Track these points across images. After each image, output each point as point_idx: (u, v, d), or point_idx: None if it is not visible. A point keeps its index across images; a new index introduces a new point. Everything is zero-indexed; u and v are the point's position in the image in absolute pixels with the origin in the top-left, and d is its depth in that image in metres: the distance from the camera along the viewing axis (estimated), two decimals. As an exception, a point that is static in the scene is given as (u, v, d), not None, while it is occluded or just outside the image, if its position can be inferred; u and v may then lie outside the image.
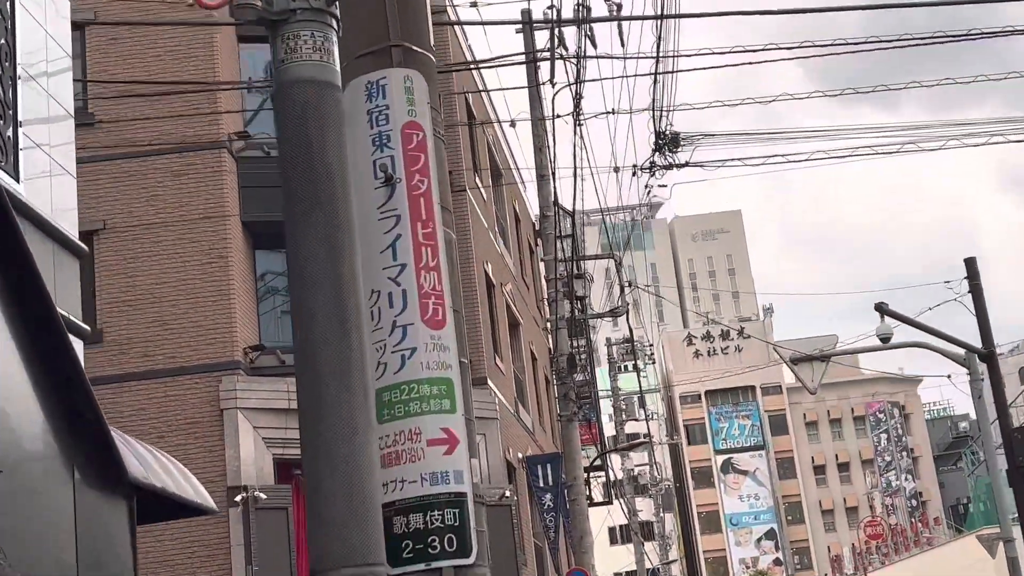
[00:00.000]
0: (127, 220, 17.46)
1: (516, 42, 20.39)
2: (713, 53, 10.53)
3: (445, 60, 18.85)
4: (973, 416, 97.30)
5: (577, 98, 14.51)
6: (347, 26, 4.88)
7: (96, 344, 16.91)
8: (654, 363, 66.55)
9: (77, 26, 18.01)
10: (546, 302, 25.06)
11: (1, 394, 5.50)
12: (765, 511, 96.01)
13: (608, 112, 14.34)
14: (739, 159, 11.80)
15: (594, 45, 17.25)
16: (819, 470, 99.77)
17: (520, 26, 19.74)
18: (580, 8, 15.06)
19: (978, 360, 19.54)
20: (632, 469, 49.84)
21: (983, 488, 70.71)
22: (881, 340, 19.23)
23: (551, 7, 16.50)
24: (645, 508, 60.84)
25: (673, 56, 11.52)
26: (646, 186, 13.55)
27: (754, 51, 10.57)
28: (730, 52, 10.59)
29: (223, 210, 17.40)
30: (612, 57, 13.40)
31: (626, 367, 50.67)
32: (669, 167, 12.43)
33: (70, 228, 8.15)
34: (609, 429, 45.12)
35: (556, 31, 15.40)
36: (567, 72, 15.39)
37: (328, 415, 3.99)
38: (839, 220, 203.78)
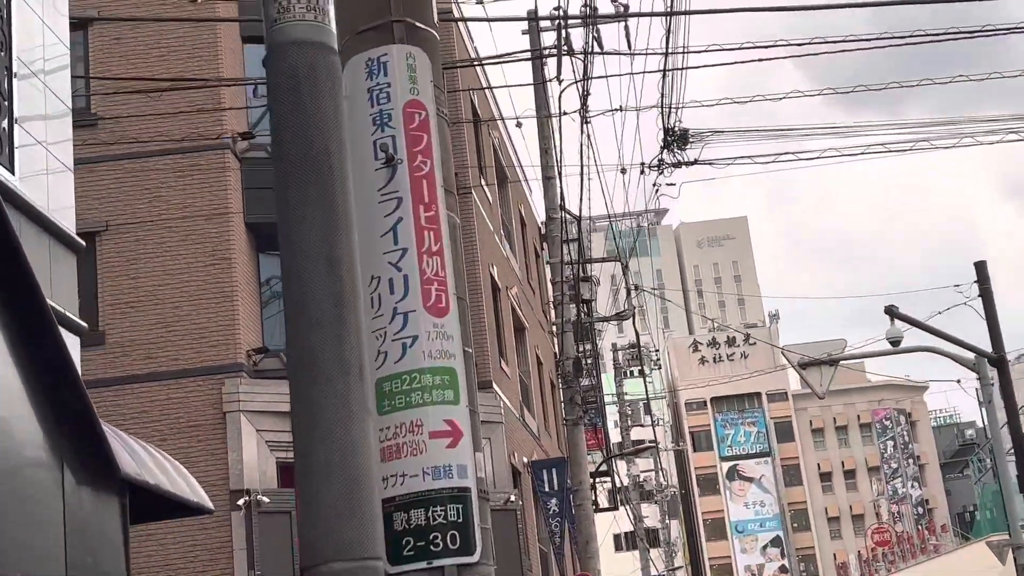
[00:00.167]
0: (129, 221, 17.32)
1: (522, 44, 20.25)
2: (722, 49, 10.36)
3: (450, 59, 18.69)
4: (979, 424, 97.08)
5: (584, 95, 14.33)
6: (347, 1, 4.71)
7: (98, 346, 16.80)
8: (660, 369, 66.40)
9: (80, 25, 17.94)
10: (552, 306, 24.89)
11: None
12: (771, 518, 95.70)
13: (615, 109, 14.16)
14: (748, 157, 11.61)
15: (600, 47, 17.09)
16: (825, 477, 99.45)
17: (526, 27, 19.60)
18: (587, 6, 14.90)
19: (988, 364, 19.39)
20: (638, 475, 49.69)
21: (990, 496, 70.46)
22: (891, 343, 19.06)
23: (557, 8, 16.31)
24: (651, 515, 60.66)
25: (683, 52, 11.36)
26: (654, 184, 13.37)
27: (764, 47, 10.41)
28: (739, 48, 10.43)
29: (227, 211, 17.26)
30: (620, 53, 13.25)
31: (632, 372, 50.51)
32: (678, 165, 12.23)
33: (68, 224, 8.01)
34: (615, 435, 44.94)
35: (562, 26, 15.22)
36: (574, 70, 15.25)
37: (322, 397, 3.77)
38: (842, 227, 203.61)
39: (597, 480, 28.71)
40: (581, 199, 28.28)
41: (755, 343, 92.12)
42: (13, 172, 7.27)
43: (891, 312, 18.72)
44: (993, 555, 23.60)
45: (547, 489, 21.95)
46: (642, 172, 13.30)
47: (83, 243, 7.88)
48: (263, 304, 18.07)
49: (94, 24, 17.98)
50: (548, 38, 18.80)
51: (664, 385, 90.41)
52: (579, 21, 16.44)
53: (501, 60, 12.95)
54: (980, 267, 20.14)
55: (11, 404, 5.42)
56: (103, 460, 5.95)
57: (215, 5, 17.70)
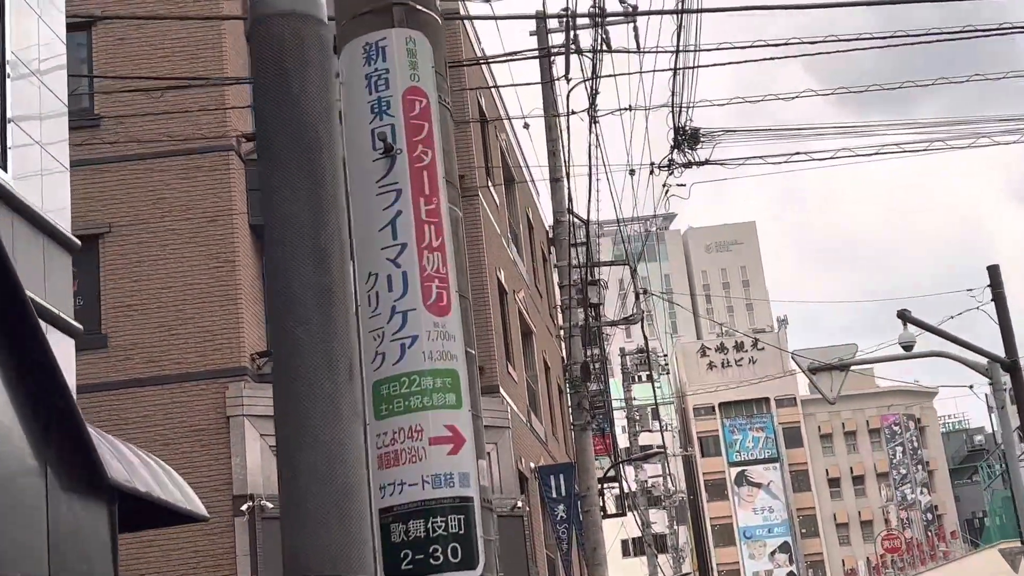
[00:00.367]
0: (133, 223, 17.17)
1: (530, 47, 20.07)
2: (733, 47, 10.16)
3: (458, 59, 18.50)
4: (989, 429, 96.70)
5: (593, 93, 14.14)
6: (344, -18, 4.48)
7: (101, 349, 16.67)
8: (668, 374, 66.16)
9: (84, 25, 17.79)
10: (559, 310, 24.70)
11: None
12: (779, 524, 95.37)
13: (624, 109, 13.96)
14: (760, 157, 11.40)
15: (609, 46, 16.90)
16: (834, 483, 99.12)
17: (534, 28, 19.43)
18: (596, 6, 14.70)
19: (1001, 369, 19.15)
20: (646, 481, 49.47)
21: (999, 502, 70.17)
22: (904, 348, 18.83)
23: (566, 9, 16.13)
24: (659, 520, 60.41)
25: (694, 50, 11.16)
26: (664, 185, 13.15)
27: (775, 45, 10.20)
28: (750, 47, 10.23)
29: (231, 213, 17.08)
30: (629, 51, 13.05)
31: (640, 377, 50.29)
32: (688, 165, 12.01)
33: (64, 224, 7.83)
34: (623, 441, 44.75)
35: (570, 24, 15.03)
36: (582, 69, 15.05)
37: (307, 397, 3.46)
38: (850, 231, 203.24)
39: (605, 486, 28.51)
40: (589, 201, 28.04)
41: (764, 348, 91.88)
42: (7, 171, 7.08)
43: (904, 316, 18.49)
44: (1005, 561, 23.37)
45: (554, 495, 21.75)
46: (652, 172, 13.09)
47: (79, 242, 7.69)
48: (267, 306, 17.91)
49: (98, 24, 17.84)
50: (556, 40, 18.62)
51: (672, 390, 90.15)
52: (588, 20, 16.26)
53: (509, 59, 12.76)
54: (993, 271, 19.92)
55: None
56: (89, 466, 5.73)
57: (219, 3, 17.55)
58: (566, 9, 16.90)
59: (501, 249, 23.35)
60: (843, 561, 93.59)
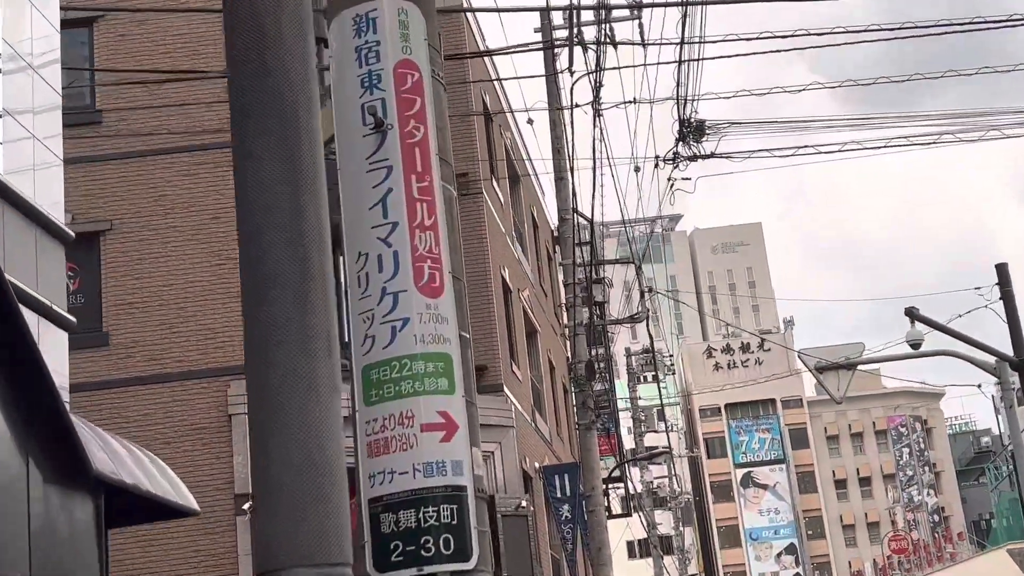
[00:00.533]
0: (134, 220, 17.07)
1: (535, 44, 19.91)
2: (739, 39, 10.02)
3: (460, 52, 18.37)
4: (996, 431, 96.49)
5: (597, 85, 14.00)
6: (334, -49, 4.32)
7: (102, 347, 16.59)
8: (674, 374, 66.00)
9: (85, 22, 17.70)
10: (564, 308, 24.57)
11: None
12: (785, 525, 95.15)
13: (629, 102, 13.81)
14: (767, 150, 11.25)
15: (614, 46, 16.77)
16: (840, 484, 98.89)
17: (539, 24, 19.32)
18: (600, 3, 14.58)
19: (1010, 368, 18.99)
20: (651, 482, 49.35)
21: (1007, 503, 69.92)
22: (911, 346, 18.67)
23: (570, 3, 16.00)
24: (664, 522, 60.24)
25: (699, 42, 11.02)
26: (668, 179, 13.00)
27: (782, 37, 10.06)
28: (756, 38, 10.09)
29: (233, 210, 16.93)
30: (633, 43, 12.91)
31: (645, 378, 50.13)
32: (693, 158, 11.85)
33: (57, 216, 7.71)
34: (628, 442, 44.58)
35: (574, 16, 14.90)
36: (586, 62, 14.90)
37: (281, 373, 3.17)
38: (855, 232, 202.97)
39: (610, 486, 28.37)
40: (593, 195, 28.01)
41: (770, 349, 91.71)
42: (-2, 162, 6.96)
43: (911, 314, 18.33)
44: (1013, 562, 23.21)
45: (559, 495, 21.60)
46: (656, 166, 12.94)
47: (72, 234, 7.56)
48: (270, 305, 17.78)
49: (99, 21, 17.75)
50: (561, 36, 18.50)
51: (678, 390, 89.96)
52: (592, 16, 16.13)
53: (513, 51, 12.64)
54: (1001, 269, 19.75)
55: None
56: (74, 458, 5.57)
57: (221, -1, 17.43)
58: (570, 2, 16.78)
59: (505, 247, 23.21)
60: (849, 563, 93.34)
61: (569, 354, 22.94)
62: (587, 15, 16.89)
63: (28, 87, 8.04)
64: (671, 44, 11.27)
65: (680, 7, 10.68)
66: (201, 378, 16.51)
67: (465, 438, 4.52)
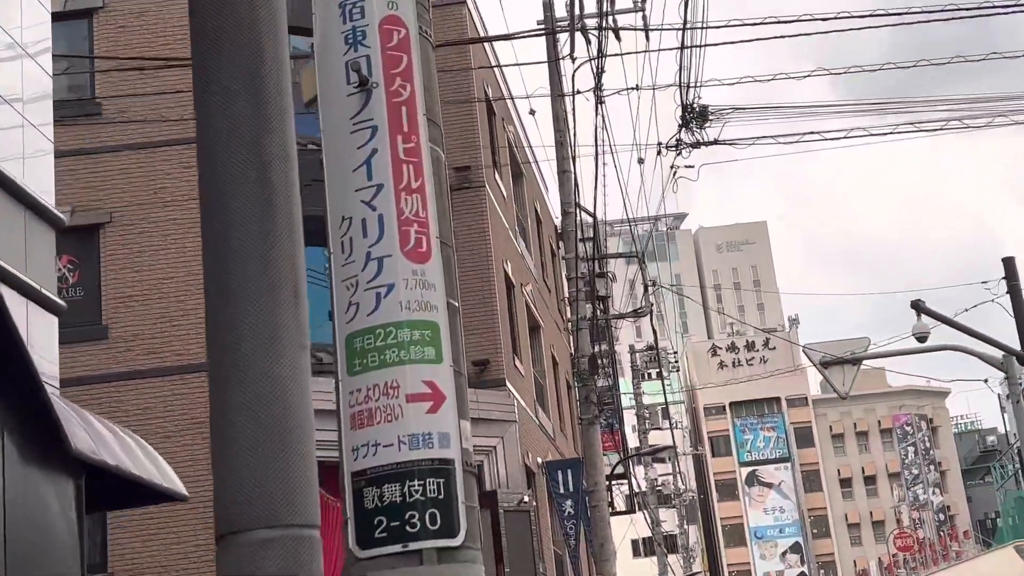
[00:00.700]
0: (134, 213, 16.98)
1: (539, 40, 19.81)
2: (743, 24, 9.87)
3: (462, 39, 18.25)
4: (1001, 430, 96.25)
5: (599, 71, 13.86)
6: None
7: (101, 340, 16.50)
8: (678, 371, 65.85)
9: (85, 14, 17.60)
10: (567, 303, 24.42)
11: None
12: (790, 524, 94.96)
13: (631, 88, 13.65)
14: (771, 136, 11.09)
15: (618, 38, 16.64)
16: (845, 483, 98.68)
17: (542, 16, 19.19)
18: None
19: (1017, 363, 18.84)
20: (655, 479, 49.18)
21: (1012, 502, 69.73)
22: (918, 340, 18.51)
23: (572, -5, 15.83)
24: (668, 519, 60.12)
25: (702, 27, 10.87)
26: (671, 167, 12.85)
27: (787, 22, 9.90)
28: (760, 23, 9.93)
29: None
30: (636, 28, 12.76)
31: (649, 375, 49.99)
32: (696, 145, 11.70)
33: (48, 200, 7.57)
34: (632, 439, 44.43)
35: (574, 3, 14.75)
36: (588, 50, 14.75)
37: (241, 318, 2.93)
38: (859, 232, 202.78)
39: (613, 483, 28.23)
40: (596, 186, 27.82)
41: (775, 347, 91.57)
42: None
43: (918, 307, 18.16)
44: (1021, 560, 23.05)
45: (562, 490, 21.48)
46: (659, 152, 12.78)
47: (63, 217, 7.43)
48: (270, 298, 17.65)
49: (98, 13, 17.65)
50: (564, 23, 18.37)
51: (682, 387, 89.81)
52: (594, 8, 15.97)
53: (514, 36, 12.51)
54: (1008, 263, 19.58)
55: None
56: (53, 436, 5.41)
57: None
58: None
59: (508, 241, 23.08)
60: (854, 562, 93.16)
61: (572, 349, 22.80)
62: (590, 6, 16.78)
63: (17, 74, 7.93)
64: (674, 29, 11.13)
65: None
66: (201, 371, 16.35)
67: (453, 409, 4.39)
